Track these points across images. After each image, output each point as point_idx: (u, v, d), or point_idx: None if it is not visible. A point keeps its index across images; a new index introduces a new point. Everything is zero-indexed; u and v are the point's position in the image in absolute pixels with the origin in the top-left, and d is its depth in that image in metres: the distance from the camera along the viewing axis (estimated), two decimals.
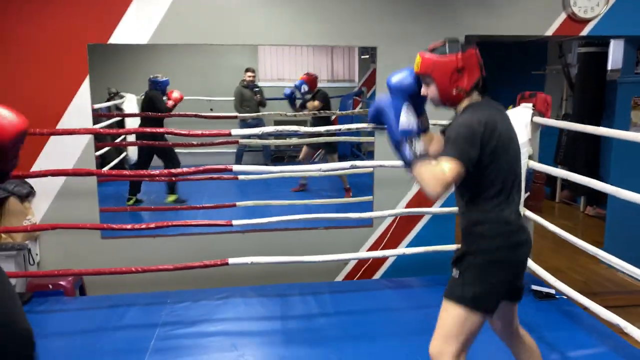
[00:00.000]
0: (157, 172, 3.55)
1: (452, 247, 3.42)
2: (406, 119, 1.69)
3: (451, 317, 1.71)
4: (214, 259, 3.06)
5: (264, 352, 2.63)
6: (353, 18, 3.53)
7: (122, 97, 5.63)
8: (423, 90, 1.78)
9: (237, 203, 4.15)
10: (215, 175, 4.11)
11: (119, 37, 3.26)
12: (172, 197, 5.05)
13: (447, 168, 1.59)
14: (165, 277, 3.14)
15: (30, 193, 3.26)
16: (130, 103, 5.69)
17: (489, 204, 1.71)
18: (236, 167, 2.96)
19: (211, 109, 6.14)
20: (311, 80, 5.40)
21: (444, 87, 1.70)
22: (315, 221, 3.39)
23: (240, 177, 4.45)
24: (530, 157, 3.13)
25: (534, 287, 3.17)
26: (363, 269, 3.81)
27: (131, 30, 3.26)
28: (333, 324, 2.87)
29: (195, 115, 4.31)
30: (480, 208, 1.73)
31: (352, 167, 3.06)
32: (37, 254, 3.35)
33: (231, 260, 3.06)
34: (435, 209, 3.65)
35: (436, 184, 1.58)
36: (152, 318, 2.90)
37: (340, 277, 3.84)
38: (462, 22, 3.59)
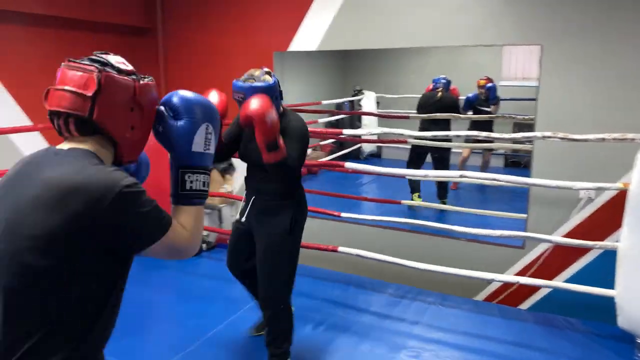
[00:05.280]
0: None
1: (610, 292, 2.72)
2: None
3: None
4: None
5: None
6: (512, 14, 3.14)
7: (362, 94, 6.36)
8: None
9: (402, 201, 4.27)
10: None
11: (295, 45, 3.85)
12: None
13: None
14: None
15: (229, 168, 4.23)
16: (368, 100, 6.35)
17: None
18: (348, 165, 3.15)
19: None
20: None
21: None
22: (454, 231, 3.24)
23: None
24: None
25: None
26: (506, 293, 3.39)
27: (304, 39, 3.80)
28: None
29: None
30: None
31: (462, 176, 2.83)
32: (232, 215, 4.34)
33: (340, 249, 3.30)
34: (605, 242, 2.92)
35: None
36: None
37: (480, 297, 3.52)
38: None
